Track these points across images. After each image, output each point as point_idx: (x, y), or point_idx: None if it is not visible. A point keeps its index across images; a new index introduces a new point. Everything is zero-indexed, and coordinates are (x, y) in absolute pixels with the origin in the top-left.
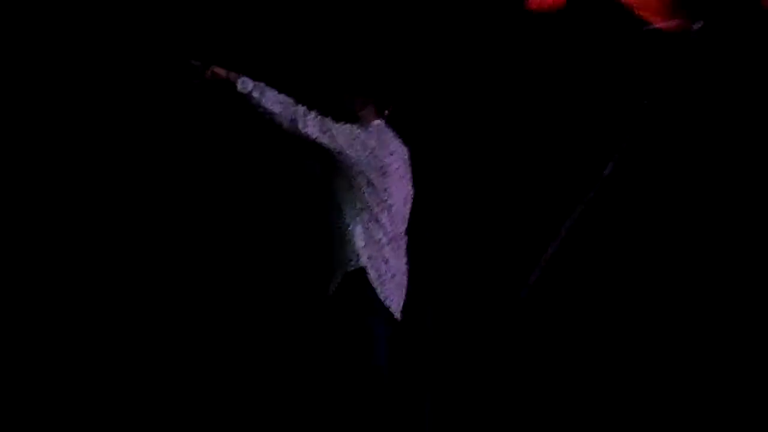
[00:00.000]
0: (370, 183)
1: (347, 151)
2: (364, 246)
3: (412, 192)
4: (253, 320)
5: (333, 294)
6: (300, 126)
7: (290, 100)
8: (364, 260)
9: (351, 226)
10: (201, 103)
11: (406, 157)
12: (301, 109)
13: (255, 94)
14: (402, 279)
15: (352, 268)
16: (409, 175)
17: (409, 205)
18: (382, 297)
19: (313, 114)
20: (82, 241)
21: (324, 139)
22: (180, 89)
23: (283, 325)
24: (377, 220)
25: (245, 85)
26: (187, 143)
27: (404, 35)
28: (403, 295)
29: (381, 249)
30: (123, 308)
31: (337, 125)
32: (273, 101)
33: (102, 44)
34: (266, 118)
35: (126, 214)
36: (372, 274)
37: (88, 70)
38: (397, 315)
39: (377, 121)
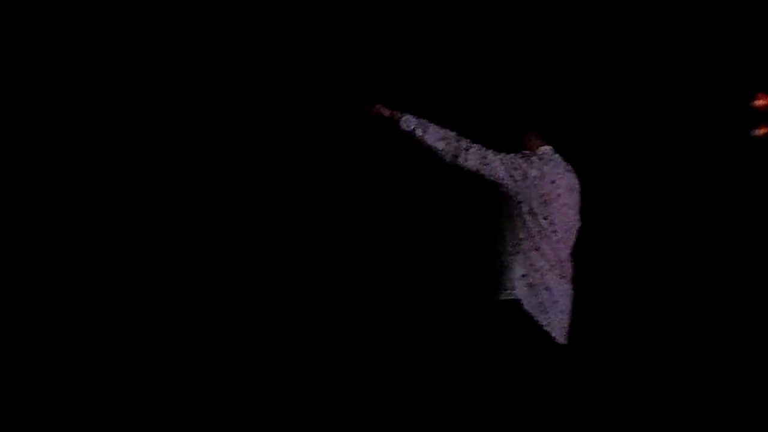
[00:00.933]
0: (531, 212)
1: (507, 182)
2: (524, 275)
3: (578, 218)
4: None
5: (485, 321)
6: (461, 160)
7: (452, 135)
8: (520, 291)
9: (510, 256)
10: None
11: (572, 183)
12: (464, 142)
13: (418, 132)
14: (566, 304)
15: (507, 298)
16: (574, 202)
17: (574, 232)
18: (543, 324)
19: (475, 147)
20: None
21: (485, 171)
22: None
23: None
24: (538, 249)
25: (408, 123)
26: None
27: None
28: (569, 320)
29: (543, 276)
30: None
31: (498, 156)
32: (436, 138)
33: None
34: (429, 154)
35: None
36: (531, 303)
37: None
38: (562, 340)
39: (542, 149)
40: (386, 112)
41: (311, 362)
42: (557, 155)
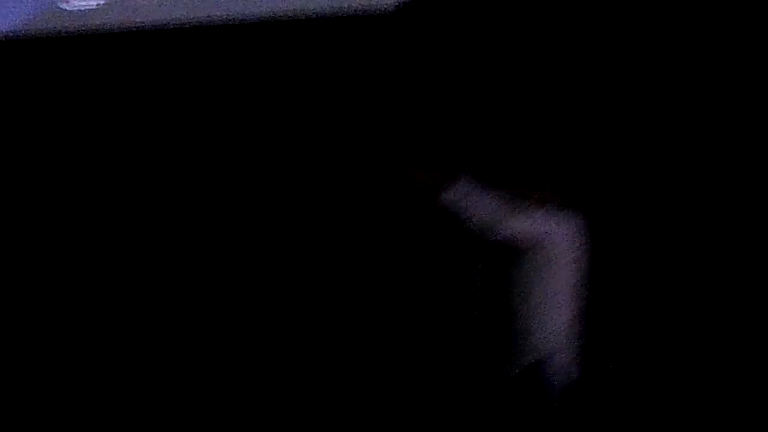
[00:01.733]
0: (548, 270)
1: (548, 241)
2: (547, 335)
3: (586, 272)
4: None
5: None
6: (500, 229)
7: (497, 203)
8: (543, 351)
9: (535, 317)
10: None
11: (578, 238)
12: (505, 210)
13: (466, 201)
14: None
15: (534, 360)
16: (584, 256)
17: (583, 287)
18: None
19: (516, 212)
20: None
21: (531, 230)
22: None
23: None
24: (557, 306)
25: (461, 191)
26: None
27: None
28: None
29: (560, 334)
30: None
31: (538, 215)
32: (483, 206)
33: None
34: (473, 218)
35: None
36: (555, 362)
37: None
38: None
39: (549, 204)
40: (437, 176)
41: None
42: (561, 212)
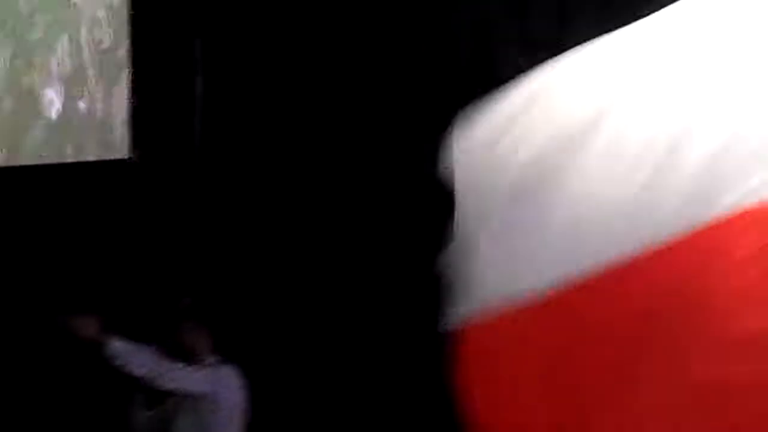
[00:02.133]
0: (231, 419)
1: (211, 393)
2: None
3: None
4: None
5: None
6: (163, 382)
7: (155, 360)
8: None
9: None
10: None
11: (240, 387)
12: (165, 365)
13: (121, 360)
14: None
15: None
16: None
17: None
18: None
19: (175, 366)
20: None
21: (191, 387)
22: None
23: None
24: None
25: (114, 350)
26: None
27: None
28: None
29: None
30: None
31: (197, 371)
32: (139, 364)
33: None
34: (132, 374)
35: None
36: None
37: None
38: None
39: (211, 357)
40: (92, 331)
41: None
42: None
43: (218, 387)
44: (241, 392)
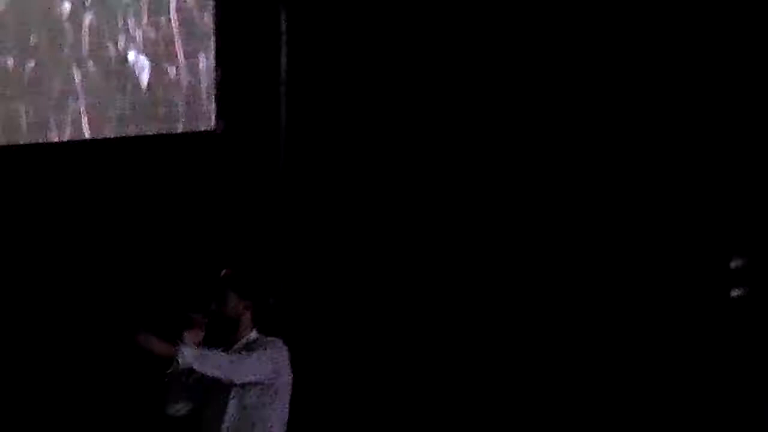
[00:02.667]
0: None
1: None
2: None
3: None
4: None
5: None
6: (237, 378)
7: (226, 358)
8: None
9: None
10: None
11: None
12: (236, 361)
13: (195, 366)
14: None
15: None
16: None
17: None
18: None
19: (246, 360)
20: None
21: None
22: None
23: None
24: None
25: (186, 359)
26: None
27: None
28: None
29: None
30: None
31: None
32: (213, 366)
33: None
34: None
35: None
36: None
37: None
38: None
39: (254, 333)
40: (162, 348)
41: None
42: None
43: (276, 366)
44: (289, 368)
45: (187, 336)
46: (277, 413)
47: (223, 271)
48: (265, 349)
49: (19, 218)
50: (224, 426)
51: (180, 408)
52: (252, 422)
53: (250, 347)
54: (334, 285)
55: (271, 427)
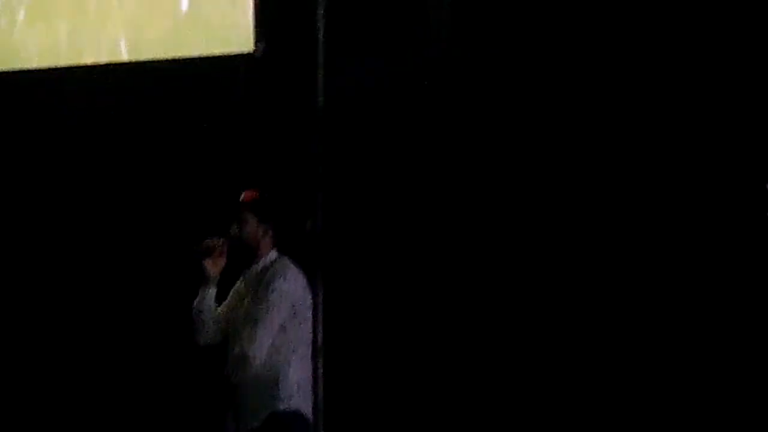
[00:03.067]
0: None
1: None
2: (299, 386)
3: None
4: None
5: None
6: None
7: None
8: (297, 400)
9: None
10: None
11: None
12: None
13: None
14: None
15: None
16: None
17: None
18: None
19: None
20: None
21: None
22: None
23: None
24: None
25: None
26: None
27: None
28: None
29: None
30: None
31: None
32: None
33: None
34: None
35: None
36: (305, 410)
37: None
38: None
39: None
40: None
41: None
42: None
43: (293, 298)
44: (308, 290)
45: (208, 264)
46: (299, 335)
47: (243, 195)
48: (283, 278)
49: (55, 139)
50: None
51: (209, 337)
52: (277, 346)
53: (266, 270)
54: (367, 219)
55: (295, 349)
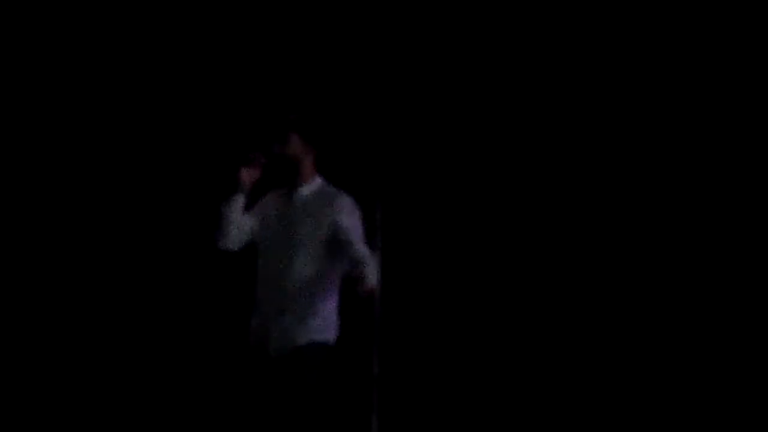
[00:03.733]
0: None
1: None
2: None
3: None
4: None
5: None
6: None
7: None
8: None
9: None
10: None
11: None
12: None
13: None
14: None
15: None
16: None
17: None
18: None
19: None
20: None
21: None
22: None
23: None
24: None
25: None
26: None
27: None
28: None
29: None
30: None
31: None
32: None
33: None
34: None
35: None
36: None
37: None
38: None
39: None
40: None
41: None
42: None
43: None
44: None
45: (244, 172)
46: (336, 266)
47: (289, 114)
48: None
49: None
50: (290, 280)
51: (228, 242)
52: (320, 273)
53: (316, 195)
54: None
55: (333, 280)
